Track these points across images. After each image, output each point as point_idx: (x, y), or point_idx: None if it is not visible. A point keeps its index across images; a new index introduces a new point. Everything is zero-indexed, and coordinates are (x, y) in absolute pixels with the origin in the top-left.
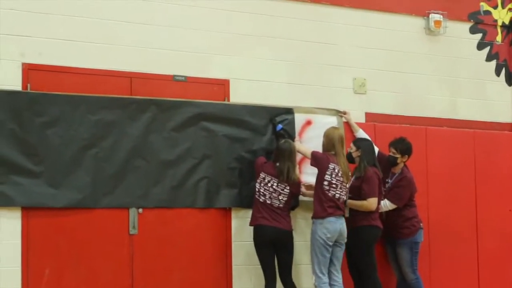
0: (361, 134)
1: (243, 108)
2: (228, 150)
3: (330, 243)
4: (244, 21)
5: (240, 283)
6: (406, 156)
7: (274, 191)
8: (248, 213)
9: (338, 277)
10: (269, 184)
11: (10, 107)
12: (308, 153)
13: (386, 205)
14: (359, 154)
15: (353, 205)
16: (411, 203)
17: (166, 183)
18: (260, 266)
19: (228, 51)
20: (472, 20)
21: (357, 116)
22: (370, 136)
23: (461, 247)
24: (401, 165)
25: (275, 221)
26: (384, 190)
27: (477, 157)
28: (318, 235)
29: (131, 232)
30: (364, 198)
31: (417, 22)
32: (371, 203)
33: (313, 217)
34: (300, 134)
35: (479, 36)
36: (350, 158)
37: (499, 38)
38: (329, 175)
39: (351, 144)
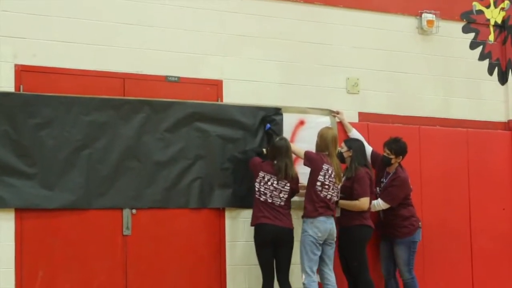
0: (355, 133)
1: (236, 109)
2: (221, 150)
3: (321, 242)
4: (237, 22)
5: (234, 283)
6: (401, 156)
7: (274, 189)
8: (242, 213)
9: (331, 276)
10: (269, 183)
11: (3, 109)
12: (301, 153)
13: (379, 204)
14: (350, 154)
15: (345, 205)
16: (407, 202)
17: (159, 183)
18: (254, 266)
19: (221, 52)
20: (464, 20)
21: (350, 116)
22: (363, 136)
23: (455, 246)
24: (396, 165)
25: (276, 219)
26: (379, 190)
27: (471, 156)
28: (309, 234)
29: (124, 233)
30: (356, 198)
31: (409, 22)
32: (363, 202)
33: (303, 216)
34: (293, 134)
35: (471, 35)
36: (341, 157)
37: (491, 37)
38: (322, 176)
39: (342, 144)
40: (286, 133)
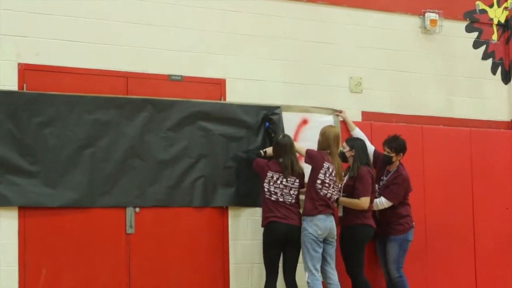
0: (358, 132)
1: (239, 108)
2: (224, 149)
3: (321, 240)
4: (240, 21)
5: (237, 281)
6: (401, 154)
7: (284, 187)
8: (245, 211)
9: (334, 275)
10: (279, 182)
11: (6, 108)
12: (303, 151)
13: (382, 202)
14: (352, 154)
15: (346, 202)
16: (405, 201)
17: (162, 182)
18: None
19: (224, 51)
20: (468, 19)
21: (353, 115)
22: (366, 135)
23: (458, 245)
24: (397, 163)
25: (288, 218)
26: (379, 188)
27: (474, 155)
28: (309, 232)
29: (128, 232)
30: (357, 196)
31: (413, 21)
32: (363, 201)
33: (303, 215)
34: (296, 133)
35: (475, 34)
36: (343, 157)
37: (495, 36)
38: (323, 174)
39: (344, 143)
40: (289, 132)
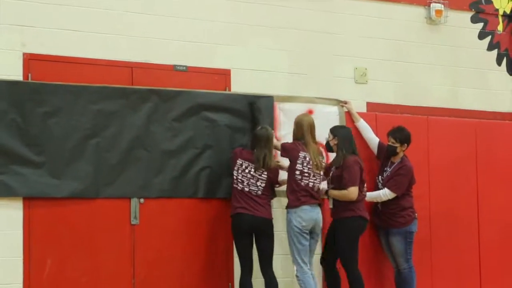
0: (363, 124)
1: (244, 98)
2: (229, 140)
3: (307, 231)
4: (245, 11)
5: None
6: (405, 145)
7: (252, 177)
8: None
9: (311, 268)
10: (247, 171)
11: (11, 97)
12: (279, 146)
13: (386, 194)
14: (336, 142)
15: (335, 195)
16: (409, 193)
17: (167, 173)
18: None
19: (229, 41)
20: (473, 10)
21: (358, 106)
22: (371, 126)
23: (463, 236)
24: (401, 154)
25: (254, 209)
26: (382, 179)
27: (479, 146)
28: (294, 224)
29: (132, 222)
30: (344, 187)
31: (418, 12)
32: (351, 192)
33: (287, 207)
34: None
35: (480, 25)
36: (328, 147)
37: (500, 27)
38: (300, 164)
39: (328, 132)
40: None
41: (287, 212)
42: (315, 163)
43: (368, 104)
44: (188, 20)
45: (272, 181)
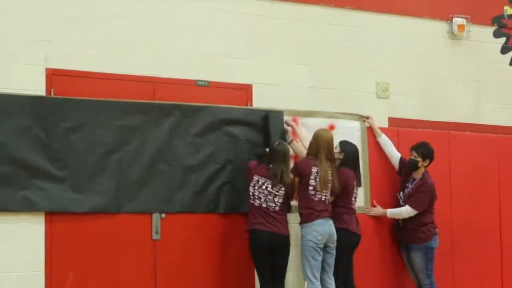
0: (384, 139)
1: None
2: (250, 155)
3: (321, 246)
4: (267, 26)
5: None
6: (428, 160)
7: (269, 193)
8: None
9: (331, 284)
10: (264, 187)
11: (34, 112)
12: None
13: (407, 211)
14: (341, 157)
15: None
16: (430, 209)
17: (189, 188)
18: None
19: (250, 56)
20: (495, 24)
21: (380, 121)
22: (393, 141)
23: (485, 252)
24: (422, 169)
25: (271, 225)
26: (404, 195)
27: (501, 162)
28: (309, 239)
29: (154, 237)
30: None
31: (440, 26)
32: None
33: (300, 223)
34: None
35: (503, 40)
36: (334, 161)
37: None
38: (313, 179)
39: (337, 144)
40: None
41: (301, 228)
42: (323, 180)
43: (390, 119)
44: (210, 35)
45: (289, 196)
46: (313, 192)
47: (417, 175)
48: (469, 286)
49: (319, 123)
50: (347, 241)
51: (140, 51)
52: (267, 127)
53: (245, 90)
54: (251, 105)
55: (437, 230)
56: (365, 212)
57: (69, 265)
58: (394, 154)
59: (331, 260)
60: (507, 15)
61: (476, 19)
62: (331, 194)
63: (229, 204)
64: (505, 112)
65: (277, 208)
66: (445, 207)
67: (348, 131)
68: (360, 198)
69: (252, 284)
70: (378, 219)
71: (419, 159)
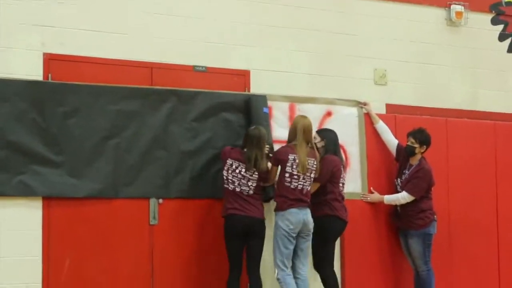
0: (382, 125)
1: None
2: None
3: (294, 235)
4: (265, 12)
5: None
6: (425, 146)
7: (243, 177)
8: (269, 203)
9: (303, 270)
10: (237, 171)
11: (31, 97)
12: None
13: (405, 197)
14: (323, 144)
15: None
16: (428, 195)
17: (186, 173)
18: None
19: (248, 42)
20: (493, 11)
21: (377, 107)
22: (390, 128)
23: (482, 238)
24: (419, 156)
25: (246, 209)
26: (401, 182)
27: (498, 148)
28: (281, 227)
29: (151, 223)
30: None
31: (438, 13)
32: (312, 187)
33: (275, 210)
34: (320, 125)
35: (500, 27)
36: (317, 149)
37: None
38: (289, 166)
39: (315, 134)
40: (314, 124)
41: (275, 215)
42: (302, 164)
43: (388, 105)
44: (207, 21)
45: (263, 181)
46: (289, 180)
47: (414, 161)
48: (466, 273)
49: (316, 109)
50: (335, 228)
51: (138, 36)
52: (250, 111)
53: (243, 76)
54: (249, 90)
55: (435, 216)
56: (362, 198)
57: (66, 250)
58: (391, 141)
59: (305, 245)
60: (505, 2)
61: (474, 6)
62: (316, 181)
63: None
64: (502, 99)
65: (251, 192)
66: (442, 193)
67: (345, 118)
68: (357, 185)
69: None
70: (376, 205)
71: (416, 145)
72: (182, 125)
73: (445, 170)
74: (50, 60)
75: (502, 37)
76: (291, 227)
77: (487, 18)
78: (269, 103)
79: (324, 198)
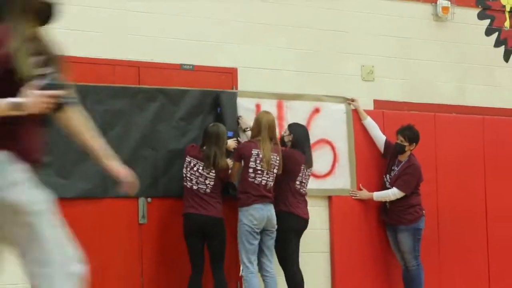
0: (370, 121)
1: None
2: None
3: (258, 230)
4: (252, 9)
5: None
6: (414, 144)
7: (200, 175)
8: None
9: (270, 267)
10: (195, 168)
11: None
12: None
13: (395, 193)
14: (290, 139)
15: None
16: (417, 191)
17: (174, 172)
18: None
19: (235, 40)
20: (480, 6)
21: (365, 104)
22: (378, 124)
23: (471, 234)
24: (408, 152)
25: (202, 208)
26: (390, 178)
27: (486, 143)
28: (244, 223)
29: (140, 222)
30: None
31: (425, 8)
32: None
33: (238, 206)
34: (308, 122)
35: (487, 22)
36: (282, 142)
37: (507, 24)
38: (253, 161)
39: (285, 127)
40: (302, 120)
41: (239, 211)
42: (266, 160)
43: (375, 101)
44: (194, 19)
45: (222, 179)
46: (252, 175)
47: (403, 157)
48: (455, 268)
49: (304, 106)
50: (291, 225)
51: (124, 35)
52: (220, 108)
53: (230, 74)
54: (236, 88)
55: (423, 211)
56: (351, 195)
57: None
58: (379, 137)
59: (270, 243)
60: None
61: (460, 1)
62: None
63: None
64: (490, 93)
65: (208, 190)
66: (431, 189)
67: (333, 114)
68: (346, 181)
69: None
70: (365, 202)
71: (406, 143)
72: (170, 123)
73: (434, 164)
74: None
75: (489, 32)
76: (255, 222)
77: (473, 12)
78: (257, 100)
79: (279, 194)
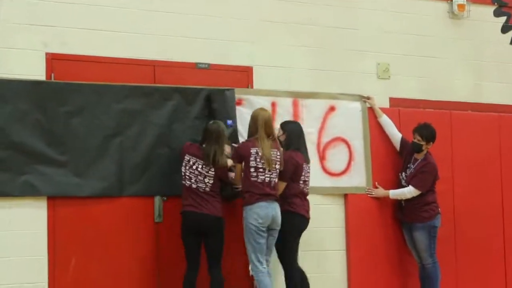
0: (385, 119)
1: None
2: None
3: (263, 229)
4: (267, 8)
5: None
6: (431, 143)
7: (199, 174)
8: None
9: (266, 264)
10: (194, 167)
11: (34, 97)
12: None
13: (411, 191)
14: (285, 137)
15: None
16: (432, 189)
17: None
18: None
19: (251, 38)
20: (496, 3)
21: (381, 101)
22: (394, 121)
23: (487, 232)
24: (425, 151)
25: (201, 207)
26: (406, 176)
27: (503, 141)
28: (249, 222)
29: (156, 220)
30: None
31: (440, 6)
32: (280, 186)
33: (243, 205)
34: (324, 120)
35: (503, 19)
36: (280, 143)
37: None
38: (253, 160)
39: (279, 127)
40: (317, 119)
41: (244, 210)
42: (266, 157)
43: (391, 99)
44: (210, 18)
45: (221, 178)
46: (254, 174)
47: (420, 155)
48: (472, 267)
49: (320, 105)
50: (294, 225)
51: (140, 35)
52: (212, 106)
53: (246, 72)
54: (252, 87)
55: (439, 209)
56: (367, 193)
57: (72, 249)
58: (395, 135)
59: (272, 242)
60: None
61: None
62: (281, 180)
63: (231, 186)
64: (506, 91)
65: (207, 189)
66: (447, 187)
67: (349, 112)
68: (362, 179)
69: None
70: (380, 200)
71: (423, 142)
72: (186, 122)
73: (450, 163)
74: (53, 60)
75: (505, 29)
76: (260, 221)
77: (489, 10)
78: (272, 99)
79: (283, 195)
